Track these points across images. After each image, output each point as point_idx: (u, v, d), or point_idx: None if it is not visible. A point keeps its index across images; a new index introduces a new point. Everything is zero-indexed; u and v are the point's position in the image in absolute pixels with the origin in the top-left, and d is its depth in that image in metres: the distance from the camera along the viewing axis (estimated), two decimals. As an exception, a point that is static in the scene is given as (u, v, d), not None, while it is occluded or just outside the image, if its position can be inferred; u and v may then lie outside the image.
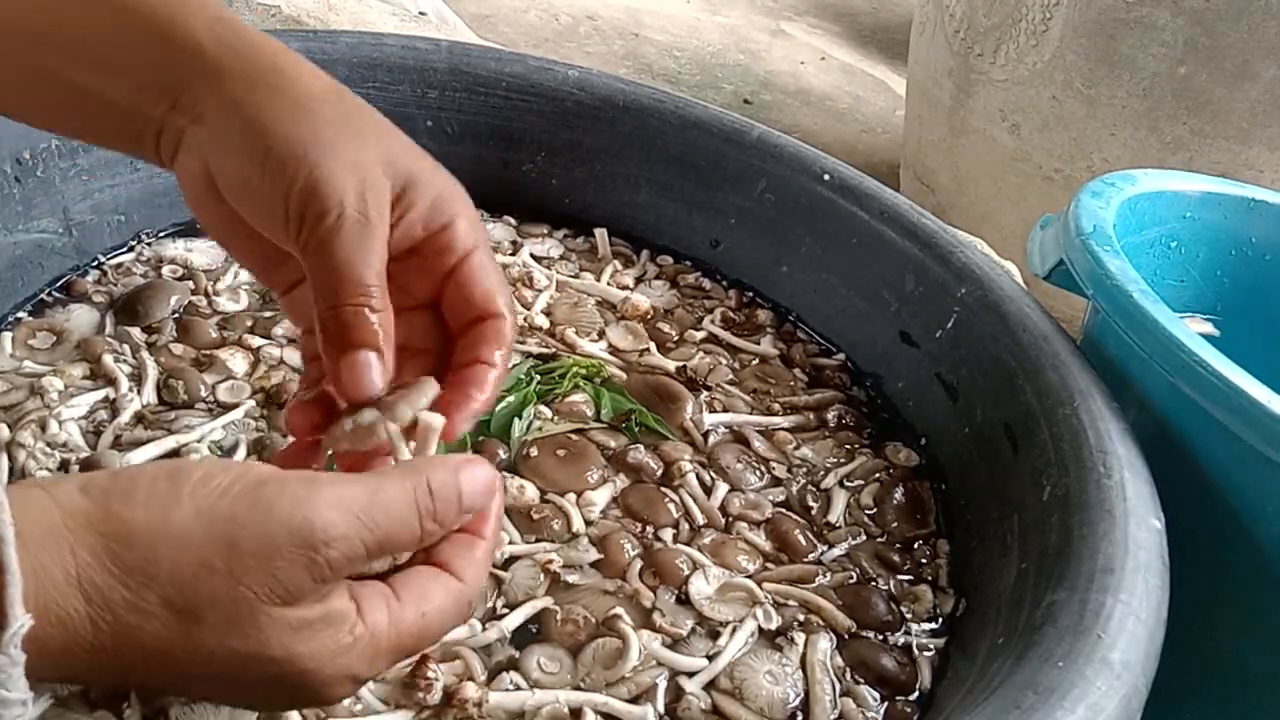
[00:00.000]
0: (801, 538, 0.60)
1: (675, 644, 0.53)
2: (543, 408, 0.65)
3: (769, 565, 0.59)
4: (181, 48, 0.41)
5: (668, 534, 0.59)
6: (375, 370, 0.40)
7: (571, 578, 0.55)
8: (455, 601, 0.38)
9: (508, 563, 0.56)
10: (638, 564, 0.57)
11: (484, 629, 0.52)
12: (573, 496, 0.60)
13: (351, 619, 0.35)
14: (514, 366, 0.68)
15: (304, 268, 0.41)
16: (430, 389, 0.41)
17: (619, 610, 0.53)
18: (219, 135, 0.41)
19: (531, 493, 0.59)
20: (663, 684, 0.51)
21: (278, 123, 0.40)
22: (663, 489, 0.62)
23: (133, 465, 0.35)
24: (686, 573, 0.56)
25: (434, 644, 0.39)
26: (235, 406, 0.61)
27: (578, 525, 0.58)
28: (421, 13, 1.36)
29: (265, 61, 0.41)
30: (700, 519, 0.61)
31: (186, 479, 0.33)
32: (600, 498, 0.60)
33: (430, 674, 0.47)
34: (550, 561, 0.55)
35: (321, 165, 0.39)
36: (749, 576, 0.57)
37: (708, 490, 0.63)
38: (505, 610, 0.53)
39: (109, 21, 0.41)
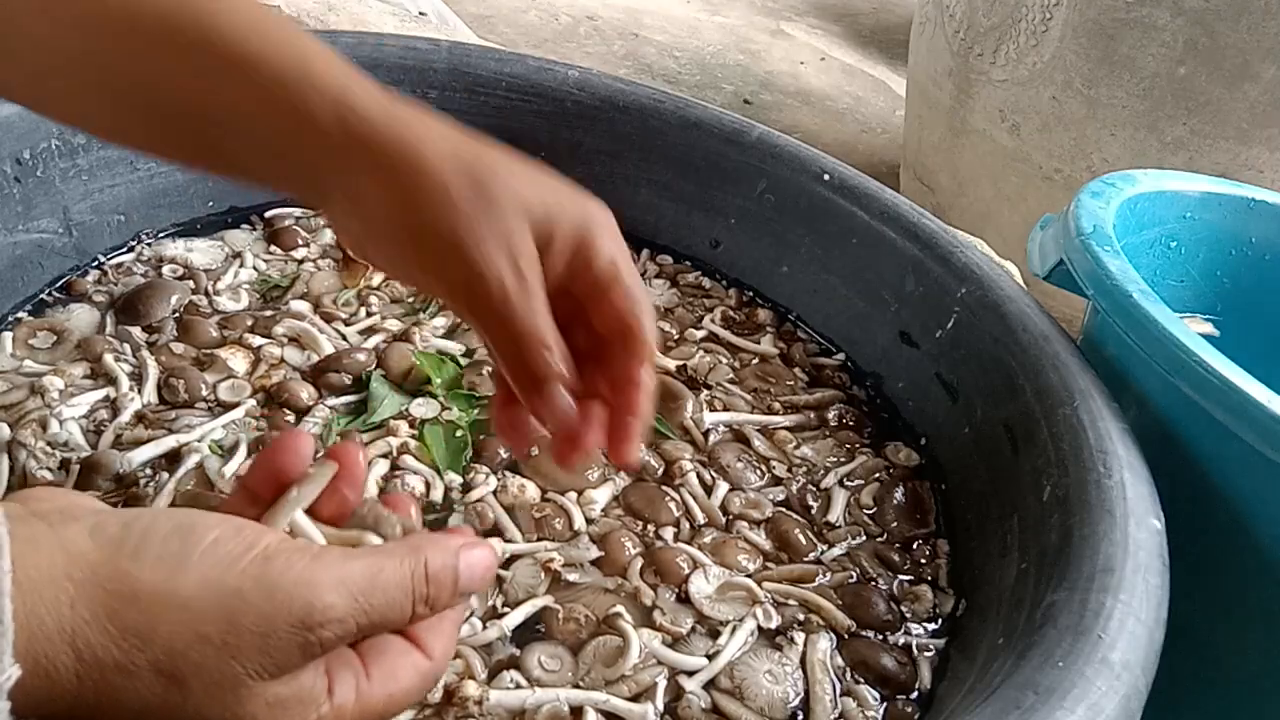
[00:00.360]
0: (801, 537, 0.60)
1: (675, 643, 0.53)
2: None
3: (769, 565, 0.59)
4: (310, 144, 0.43)
5: (668, 533, 0.59)
6: (564, 396, 0.43)
7: (572, 576, 0.55)
8: (422, 680, 0.38)
9: (509, 561, 0.56)
10: (638, 562, 0.57)
11: (484, 627, 0.52)
12: (574, 495, 0.60)
13: (321, 698, 0.35)
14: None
15: (479, 333, 0.44)
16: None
17: (619, 609, 0.53)
18: (364, 218, 0.43)
19: (532, 491, 0.59)
20: (663, 683, 0.51)
21: (413, 212, 0.42)
22: (663, 488, 0.62)
23: (145, 514, 0.34)
24: (687, 571, 0.56)
25: (401, 713, 0.39)
26: (235, 406, 0.61)
27: (579, 523, 0.58)
28: (421, 13, 1.36)
29: (392, 148, 0.43)
30: (701, 518, 0.61)
31: (198, 542, 0.33)
32: (601, 496, 0.60)
33: None
34: (551, 560, 0.55)
35: (474, 251, 0.42)
36: (749, 576, 0.57)
37: (708, 489, 0.63)
38: (506, 609, 0.53)
39: (249, 99, 0.42)
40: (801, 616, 0.56)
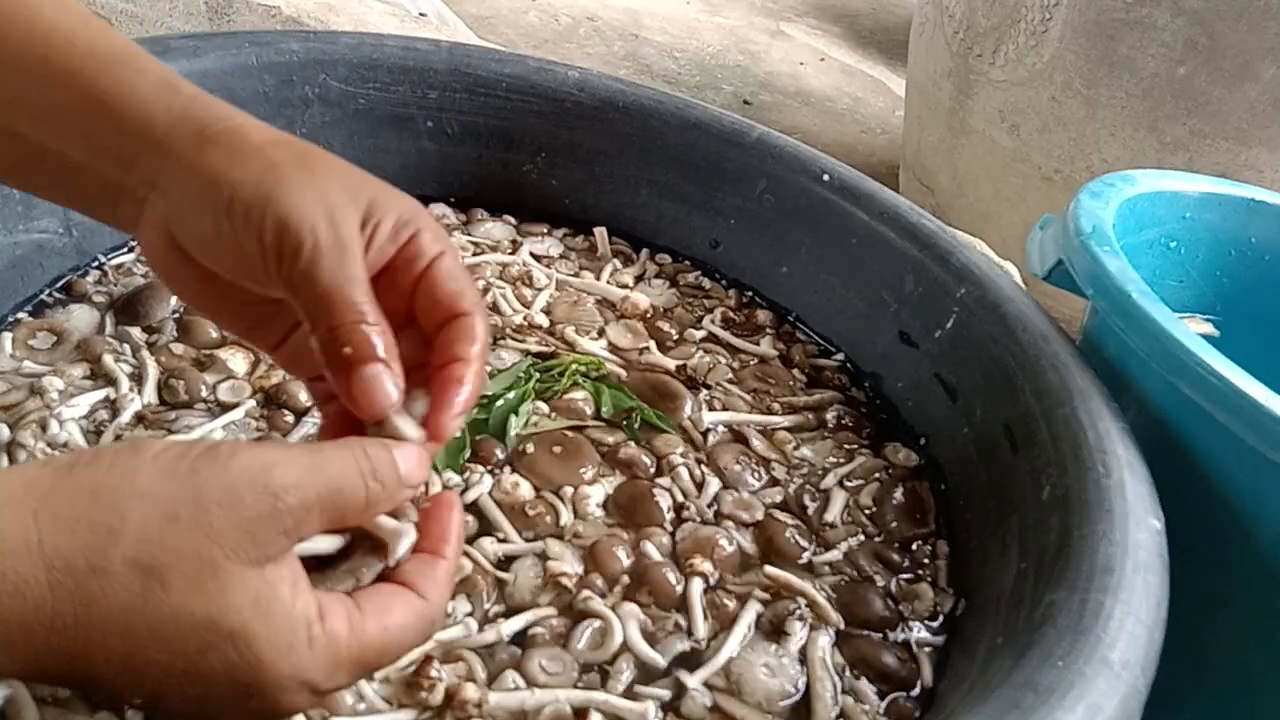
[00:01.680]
0: (792, 541, 0.60)
1: (664, 639, 0.53)
2: (540, 404, 0.65)
3: (751, 565, 0.59)
4: (129, 119, 0.42)
5: (657, 536, 0.59)
6: (386, 381, 0.40)
7: (566, 569, 0.55)
8: (418, 618, 0.38)
9: (509, 562, 0.56)
10: (628, 576, 0.56)
11: (480, 630, 0.52)
12: (569, 491, 0.60)
13: (312, 618, 0.35)
14: (513, 365, 0.68)
15: (294, 304, 0.41)
16: (423, 401, 0.42)
17: (587, 593, 0.54)
18: (179, 198, 0.41)
19: (526, 489, 0.59)
20: (663, 681, 0.51)
21: (235, 171, 0.40)
22: (655, 482, 0.62)
23: (92, 448, 0.35)
24: (680, 590, 0.56)
25: (396, 660, 0.39)
26: (235, 406, 0.61)
27: (566, 519, 0.58)
28: (421, 14, 1.36)
29: (217, 123, 0.42)
30: (691, 509, 0.61)
31: (148, 447, 0.34)
32: (596, 493, 0.60)
33: (433, 674, 0.47)
34: (561, 575, 0.54)
35: (286, 201, 0.40)
36: (738, 573, 0.58)
37: (699, 485, 0.63)
38: (500, 615, 0.53)
39: (67, 91, 0.42)
40: (792, 607, 0.56)
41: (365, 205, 0.42)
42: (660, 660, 0.52)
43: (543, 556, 0.56)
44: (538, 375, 0.67)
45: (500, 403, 0.64)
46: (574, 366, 0.68)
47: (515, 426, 0.63)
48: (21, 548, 0.31)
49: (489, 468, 0.60)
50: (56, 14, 0.43)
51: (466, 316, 0.43)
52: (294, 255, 0.39)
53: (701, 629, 0.54)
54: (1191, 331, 0.57)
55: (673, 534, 0.59)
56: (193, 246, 0.42)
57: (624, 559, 0.57)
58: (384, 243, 0.43)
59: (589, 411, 0.66)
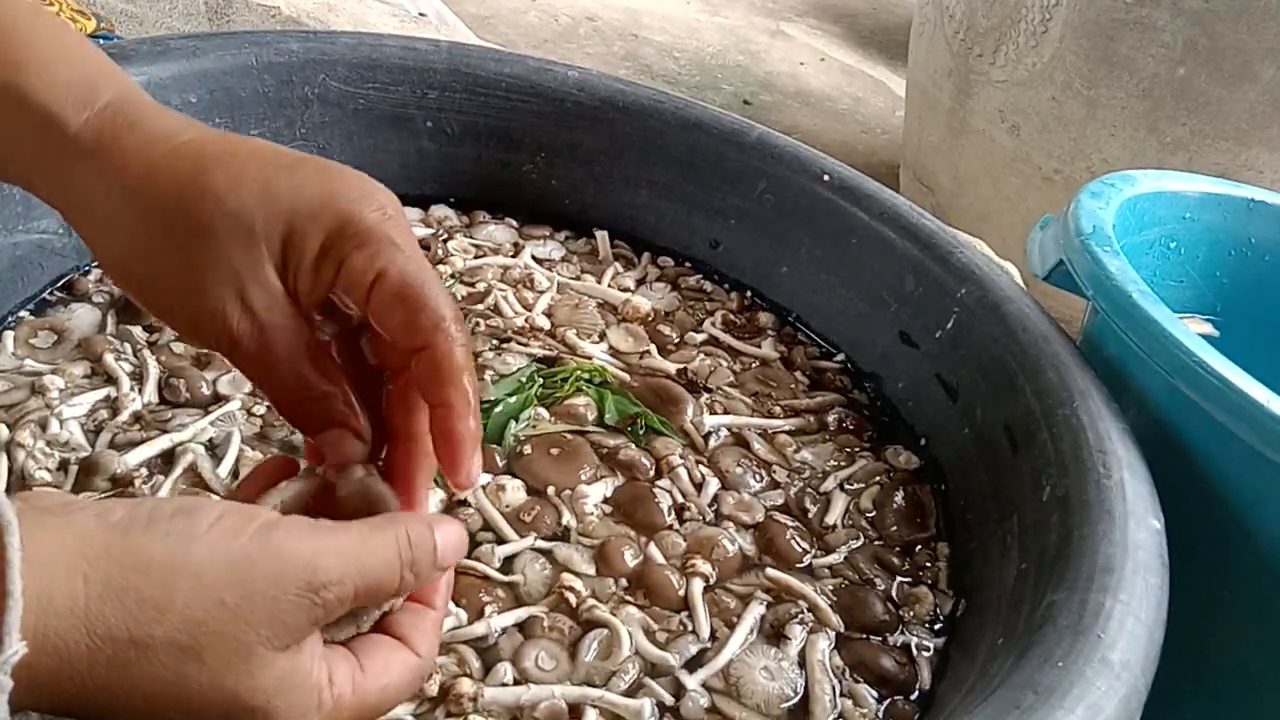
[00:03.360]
0: (793, 544, 0.60)
1: (670, 641, 0.53)
2: (541, 410, 0.65)
3: (751, 566, 0.59)
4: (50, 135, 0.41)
5: (669, 538, 0.59)
6: (350, 442, 0.41)
7: (577, 584, 0.55)
8: (413, 675, 0.39)
9: (509, 563, 0.55)
10: (634, 571, 0.56)
11: (470, 622, 0.52)
12: (567, 494, 0.60)
13: (323, 684, 0.36)
14: (516, 370, 0.67)
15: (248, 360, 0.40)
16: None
17: (592, 601, 0.54)
18: (75, 212, 0.40)
19: (523, 492, 0.59)
20: (662, 681, 0.51)
21: (137, 255, 0.39)
22: (655, 485, 0.62)
23: (149, 500, 0.35)
24: (681, 592, 0.56)
25: (389, 712, 0.40)
26: (228, 400, 0.61)
27: (567, 520, 0.58)
28: (421, 14, 1.36)
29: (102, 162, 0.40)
30: (691, 509, 0.61)
31: (204, 518, 0.34)
32: (594, 494, 0.60)
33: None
34: (571, 588, 0.54)
35: (194, 296, 0.39)
36: (738, 574, 0.58)
37: (698, 486, 0.63)
38: (494, 612, 0.53)
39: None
40: (794, 610, 0.56)
41: (281, 235, 0.39)
42: (672, 661, 0.52)
43: (544, 551, 0.56)
44: (541, 381, 0.67)
45: (500, 408, 0.64)
46: (577, 373, 0.68)
47: (514, 429, 0.63)
48: (67, 610, 0.31)
49: (485, 470, 0.60)
50: None
51: (433, 349, 0.39)
52: (229, 351, 0.39)
53: (705, 629, 0.54)
54: (1191, 331, 0.57)
55: (682, 535, 0.59)
56: (99, 250, 0.41)
57: (630, 560, 0.57)
58: (308, 278, 0.40)
59: (590, 417, 0.66)
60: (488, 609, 0.52)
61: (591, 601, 0.54)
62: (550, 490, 0.60)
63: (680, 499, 0.61)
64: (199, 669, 0.33)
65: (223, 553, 0.33)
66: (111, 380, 0.62)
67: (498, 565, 0.55)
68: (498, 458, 0.61)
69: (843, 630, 0.56)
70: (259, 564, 0.33)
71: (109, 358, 0.62)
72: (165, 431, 0.58)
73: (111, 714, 0.33)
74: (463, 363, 0.39)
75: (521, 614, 0.53)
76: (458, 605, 0.52)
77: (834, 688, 0.53)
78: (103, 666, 0.31)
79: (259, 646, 0.33)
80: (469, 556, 0.55)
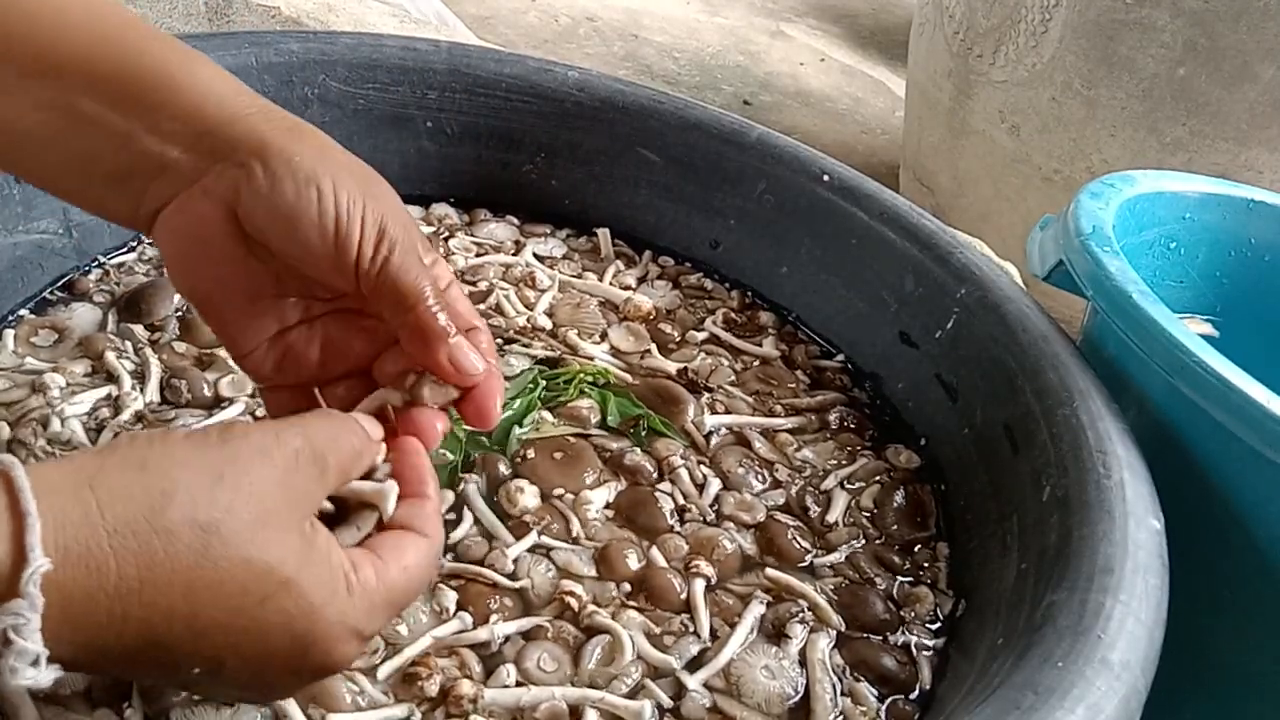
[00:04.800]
0: (794, 543, 0.60)
1: (672, 642, 0.53)
2: (545, 413, 0.65)
3: (752, 565, 0.59)
4: (201, 97, 0.44)
5: (671, 541, 0.59)
6: (469, 350, 0.45)
7: (578, 589, 0.55)
8: (428, 554, 0.42)
9: (514, 564, 0.56)
10: (636, 575, 0.56)
11: (475, 627, 0.52)
12: (570, 498, 0.60)
13: (347, 568, 0.38)
14: (521, 373, 0.67)
15: (363, 290, 0.45)
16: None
17: (592, 607, 0.54)
18: (267, 176, 0.43)
19: (530, 496, 0.59)
20: (663, 681, 0.51)
21: (330, 167, 0.44)
22: (657, 488, 0.62)
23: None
24: (684, 596, 0.56)
25: (418, 595, 0.45)
26: (231, 401, 0.61)
27: (576, 529, 0.58)
28: (421, 14, 1.36)
29: (287, 116, 0.46)
30: (693, 510, 0.61)
31: (180, 430, 0.37)
32: (597, 500, 0.60)
33: (431, 664, 0.48)
34: (573, 593, 0.54)
35: (379, 204, 0.44)
36: (739, 574, 0.58)
37: (700, 487, 0.63)
38: (500, 620, 0.53)
39: (136, 64, 0.44)
40: (794, 609, 0.56)
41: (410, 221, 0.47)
42: (674, 663, 0.52)
43: (547, 553, 0.56)
44: (544, 384, 0.67)
45: (508, 413, 0.64)
46: (580, 376, 0.68)
47: (517, 435, 0.63)
48: (82, 521, 0.32)
49: (488, 477, 0.60)
50: (110, 4, 0.45)
51: (481, 331, 0.47)
52: (389, 250, 0.44)
53: (707, 630, 0.54)
54: (1191, 331, 0.57)
55: (684, 536, 0.59)
56: (265, 222, 0.44)
57: (634, 564, 0.57)
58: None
59: (594, 420, 0.66)
60: (493, 617, 0.52)
61: (592, 607, 0.54)
62: (556, 494, 0.60)
63: (682, 500, 0.61)
64: (222, 544, 0.34)
65: (201, 442, 0.36)
66: (113, 379, 0.62)
67: (510, 569, 0.55)
68: (501, 467, 0.61)
69: (843, 629, 0.56)
70: (238, 443, 0.37)
71: (110, 356, 0.62)
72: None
73: (152, 631, 0.34)
74: (443, 326, 0.45)
75: (525, 623, 0.52)
76: (463, 610, 0.52)
77: (835, 686, 0.53)
78: (131, 565, 0.33)
79: (272, 516, 0.36)
80: (478, 563, 0.55)
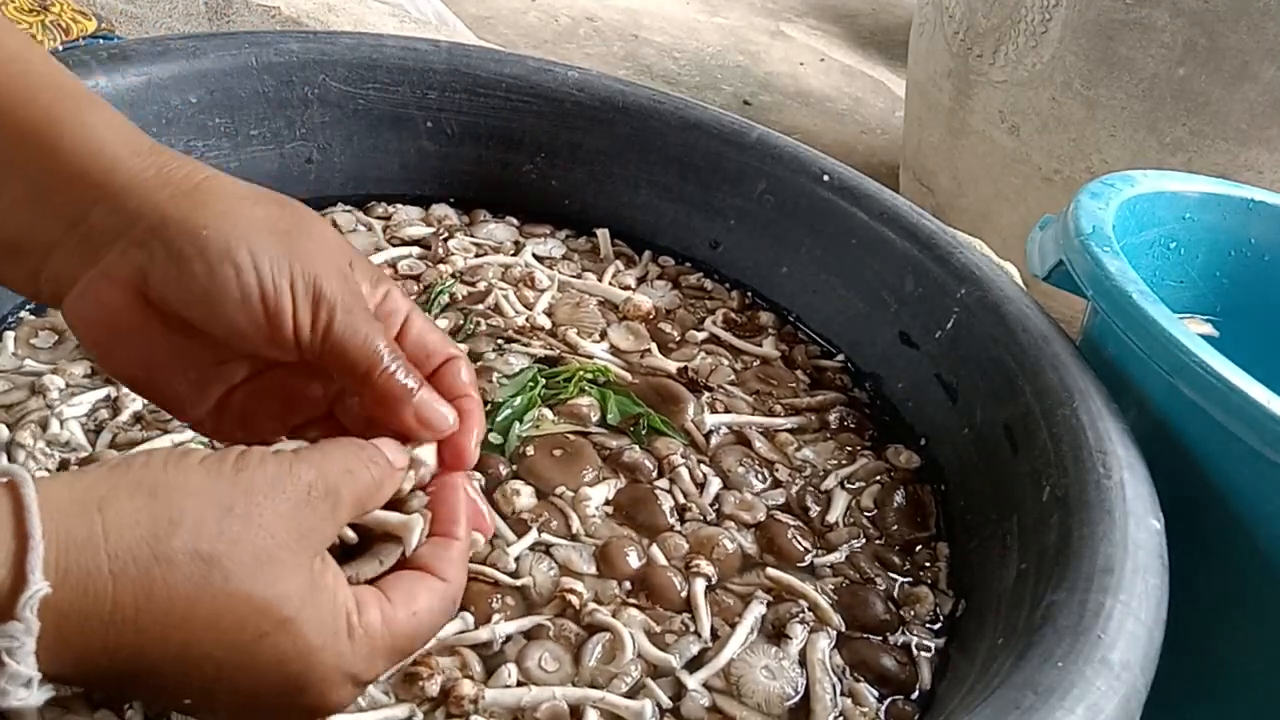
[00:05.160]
0: (794, 543, 0.60)
1: (672, 641, 0.53)
2: (545, 411, 0.65)
3: (752, 565, 0.59)
4: (91, 160, 0.40)
5: (672, 539, 0.59)
6: (439, 404, 0.43)
7: (579, 586, 0.55)
8: (442, 599, 0.40)
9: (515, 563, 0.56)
10: (636, 573, 0.56)
11: (476, 627, 0.52)
12: (570, 495, 0.60)
13: (351, 609, 0.37)
14: (520, 371, 0.67)
15: (307, 359, 0.42)
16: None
17: (592, 605, 0.54)
18: (168, 251, 0.39)
19: (527, 496, 0.59)
20: (663, 681, 0.51)
21: (239, 228, 0.40)
22: (657, 486, 0.62)
23: (142, 452, 0.36)
24: (684, 594, 0.56)
25: (426, 643, 0.42)
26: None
27: (576, 527, 0.58)
28: (421, 14, 1.36)
29: (193, 173, 0.41)
30: (693, 510, 0.61)
31: (195, 454, 0.36)
32: (596, 496, 0.60)
33: (432, 663, 0.48)
34: (573, 590, 0.54)
35: (308, 262, 0.41)
36: (739, 574, 0.58)
37: (700, 486, 0.63)
38: (502, 620, 0.53)
39: (17, 124, 0.40)
40: (795, 610, 0.56)
41: (347, 262, 0.44)
42: (674, 662, 0.52)
43: (547, 550, 0.56)
44: (544, 382, 0.67)
45: (507, 411, 0.64)
46: (580, 374, 0.68)
47: (517, 432, 0.63)
48: (85, 543, 0.32)
49: (489, 477, 0.60)
50: (16, 43, 0.42)
51: (457, 359, 0.46)
52: (329, 314, 0.41)
53: (708, 629, 0.54)
54: (1191, 331, 0.57)
55: (684, 535, 0.59)
56: (181, 307, 0.40)
57: (635, 562, 0.57)
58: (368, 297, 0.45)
59: (594, 418, 0.66)
60: (495, 616, 0.52)
61: (593, 605, 0.54)
62: (555, 491, 0.60)
63: (682, 499, 0.61)
64: (223, 577, 0.34)
65: (215, 471, 0.35)
66: (112, 380, 0.62)
67: (512, 568, 0.55)
68: (500, 467, 0.61)
69: (843, 629, 0.56)
70: (252, 474, 0.35)
71: (109, 358, 0.62)
72: (166, 432, 0.58)
73: (143, 658, 0.33)
74: (472, 374, 0.45)
75: (526, 623, 0.52)
76: (464, 610, 0.52)
77: (835, 687, 0.53)
78: (128, 593, 0.32)
79: (279, 550, 0.35)
80: (480, 562, 0.55)
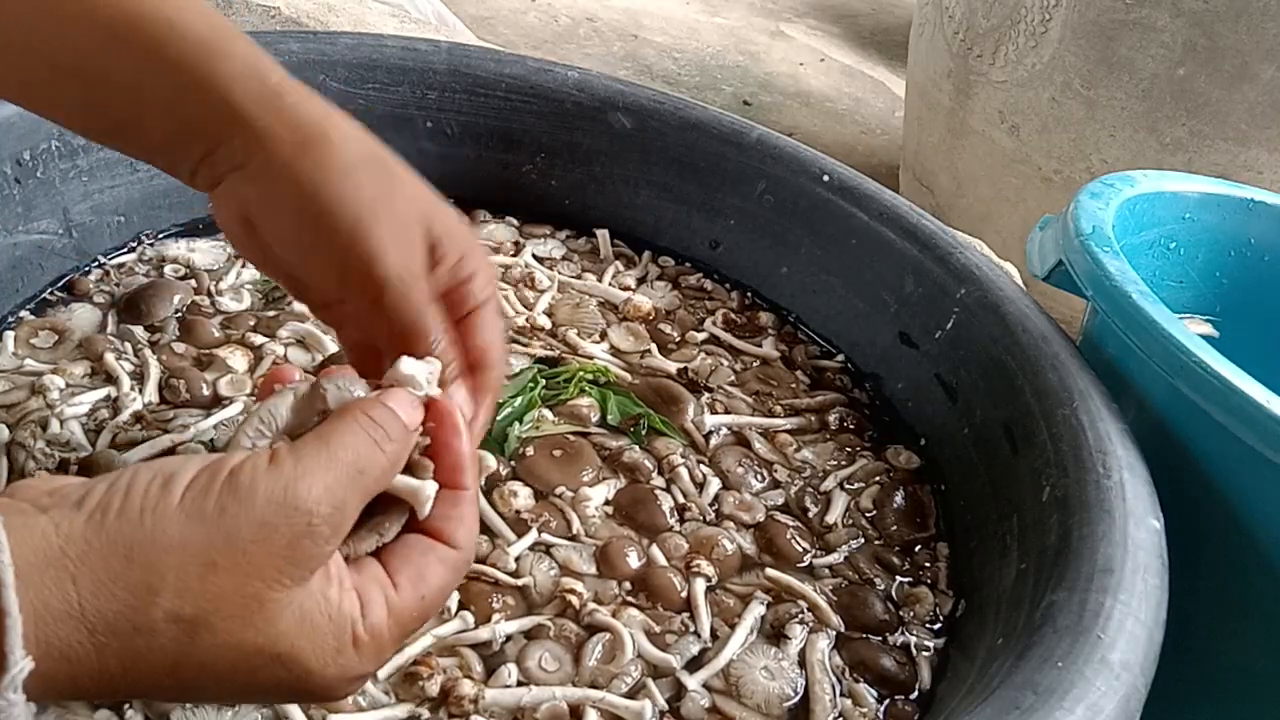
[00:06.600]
0: (793, 543, 0.60)
1: (672, 641, 0.53)
2: (545, 411, 0.65)
3: (752, 565, 0.59)
4: (219, 103, 0.44)
5: (662, 539, 0.59)
6: (461, 394, 0.45)
7: (579, 586, 0.55)
8: (454, 569, 0.39)
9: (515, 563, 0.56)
10: (636, 573, 0.56)
11: (476, 627, 0.52)
12: (569, 495, 0.60)
13: (356, 617, 0.36)
14: (520, 372, 0.67)
15: (358, 310, 0.45)
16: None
17: (592, 605, 0.54)
18: (268, 194, 0.44)
19: (525, 495, 0.59)
20: (663, 681, 0.51)
21: (327, 187, 0.44)
22: (655, 486, 0.62)
23: (129, 470, 0.34)
24: (684, 595, 0.56)
25: (432, 616, 0.43)
26: (231, 401, 0.61)
27: (576, 527, 0.58)
28: (420, 14, 1.36)
29: (314, 129, 0.45)
30: (692, 510, 0.61)
31: (180, 483, 0.33)
32: (596, 496, 0.60)
33: (432, 663, 0.48)
34: (573, 590, 0.54)
35: (373, 234, 0.44)
36: (738, 574, 0.58)
37: (700, 486, 0.63)
38: (503, 620, 0.53)
39: (153, 70, 0.44)
40: (794, 610, 0.56)
41: (435, 237, 0.47)
42: (674, 662, 0.52)
43: (548, 549, 0.56)
44: (544, 383, 0.67)
45: (507, 411, 0.64)
46: (580, 374, 0.68)
47: (517, 430, 0.63)
48: (64, 615, 0.31)
49: (489, 478, 0.60)
50: None
51: (488, 371, 0.47)
52: (377, 288, 0.44)
53: (707, 630, 0.54)
54: (1191, 332, 0.57)
55: (684, 535, 0.59)
56: (271, 239, 0.45)
57: (635, 562, 0.57)
58: (444, 275, 0.47)
59: (594, 419, 0.66)
60: (495, 615, 0.52)
61: (593, 605, 0.54)
62: (555, 491, 0.60)
63: (682, 499, 0.61)
64: (212, 635, 0.33)
65: (197, 516, 0.33)
66: (112, 380, 0.62)
67: (512, 568, 0.55)
68: (500, 466, 0.61)
69: (843, 630, 0.56)
70: (236, 515, 0.33)
71: (109, 357, 0.62)
72: (166, 431, 0.58)
73: (139, 690, 0.34)
74: (496, 389, 0.47)
75: (527, 623, 0.53)
76: (465, 610, 0.52)
77: (834, 687, 0.53)
78: (113, 661, 0.32)
79: (269, 591, 0.33)
80: (480, 562, 0.55)
